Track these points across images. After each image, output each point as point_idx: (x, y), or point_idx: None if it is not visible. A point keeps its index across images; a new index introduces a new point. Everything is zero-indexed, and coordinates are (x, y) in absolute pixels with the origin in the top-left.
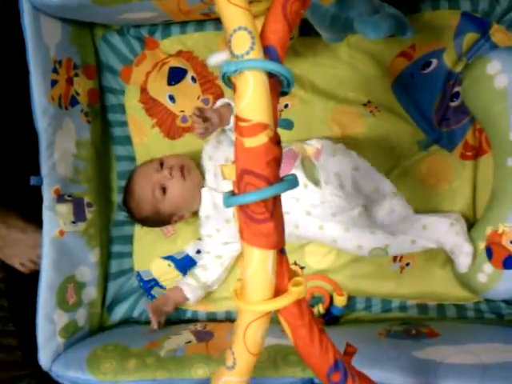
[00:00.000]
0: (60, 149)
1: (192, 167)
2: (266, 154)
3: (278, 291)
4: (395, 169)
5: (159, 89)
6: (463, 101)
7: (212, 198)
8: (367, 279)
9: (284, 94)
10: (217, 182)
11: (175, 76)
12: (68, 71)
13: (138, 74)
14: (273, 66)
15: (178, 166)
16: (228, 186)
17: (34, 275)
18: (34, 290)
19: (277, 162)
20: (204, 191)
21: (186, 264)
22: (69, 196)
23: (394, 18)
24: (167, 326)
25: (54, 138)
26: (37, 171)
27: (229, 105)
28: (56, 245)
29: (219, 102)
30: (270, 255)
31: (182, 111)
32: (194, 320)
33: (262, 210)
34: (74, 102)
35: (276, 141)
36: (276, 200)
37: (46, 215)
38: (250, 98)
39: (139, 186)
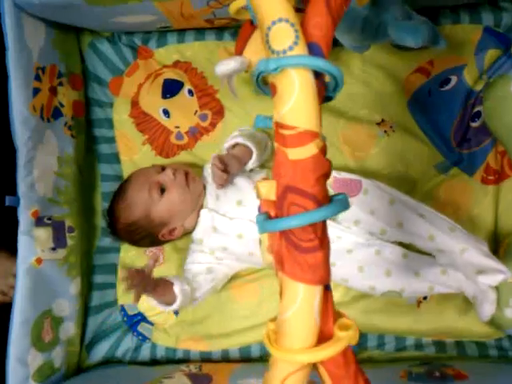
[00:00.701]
0: (40, 165)
1: (197, 178)
2: (315, 168)
3: (322, 336)
4: (410, 194)
5: (152, 102)
6: (485, 121)
7: (212, 221)
8: (380, 314)
9: (328, 99)
10: (218, 205)
11: (170, 88)
12: (52, 79)
13: (129, 85)
14: (322, 64)
15: (182, 170)
16: (233, 209)
17: (5, 308)
18: (4, 326)
19: (326, 178)
20: (204, 212)
21: None
22: (48, 219)
23: (427, 24)
24: (155, 366)
25: (34, 153)
26: (13, 190)
27: (245, 146)
28: (32, 274)
29: (232, 141)
30: (316, 292)
31: (177, 127)
32: (185, 360)
33: (310, 237)
34: (57, 113)
35: (325, 153)
36: (325, 225)
37: (22, 240)
38: (296, 100)
39: (135, 185)
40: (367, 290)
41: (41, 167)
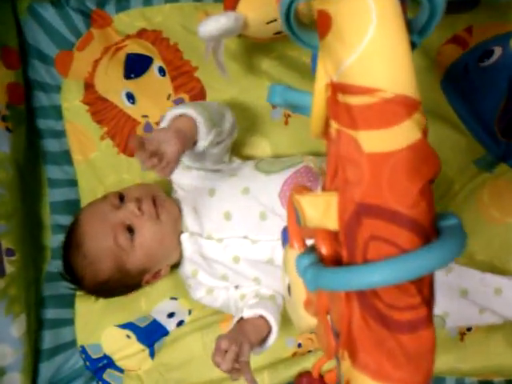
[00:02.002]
0: None
1: (167, 200)
2: (417, 168)
3: None
4: (446, 197)
5: (112, 84)
6: None
7: (197, 246)
8: None
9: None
10: (199, 223)
11: (135, 66)
12: None
13: (82, 62)
14: None
15: (148, 198)
16: (220, 226)
17: None
18: None
19: (433, 182)
20: (184, 239)
21: (153, 334)
22: None
23: None
24: None
25: None
26: None
27: (183, 116)
28: None
29: (169, 115)
30: None
31: (146, 116)
32: None
33: (411, 302)
34: None
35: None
36: (433, 278)
37: None
38: (375, 38)
39: (92, 233)
40: None
41: None
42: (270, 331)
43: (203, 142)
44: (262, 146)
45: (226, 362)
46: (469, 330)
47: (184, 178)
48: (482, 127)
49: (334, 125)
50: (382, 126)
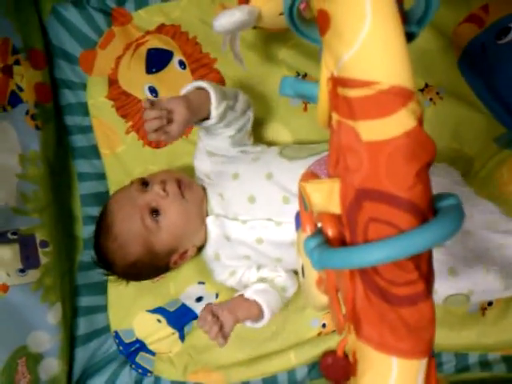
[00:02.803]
0: None
1: (192, 182)
2: (412, 154)
3: None
4: (467, 176)
5: (135, 79)
6: None
7: (221, 228)
8: (437, 328)
9: (410, 38)
10: (225, 206)
11: (156, 60)
12: (4, 56)
13: (105, 59)
14: None
15: (172, 180)
16: (244, 209)
17: None
18: None
19: (428, 169)
20: (210, 221)
21: (182, 318)
22: (13, 234)
23: None
24: None
25: None
26: None
27: (201, 89)
28: None
29: (189, 86)
30: (420, 369)
31: None
32: None
33: (409, 278)
34: (15, 100)
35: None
36: (431, 254)
37: None
38: (371, 32)
39: (120, 216)
40: None
41: None
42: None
43: (215, 112)
44: (282, 133)
45: (211, 332)
46: (490, 304)
47: (207, 164)
48: (500, 105)
49: (334, 116)
50: (379, 116)
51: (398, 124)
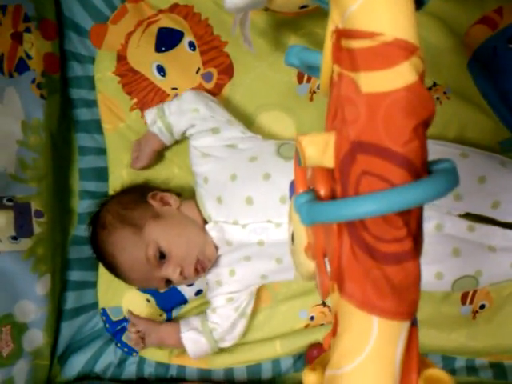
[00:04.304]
0: None
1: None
2: (411, 108)
3: None
4: None
5: (144, 56)
6: None
7: (222, 233)
8: (426, 328)
9: (419, 5)
10: (223, 211)
11: (167, 40)
12: (16, 23)
13: (115, 35)
14: None
15: (191, 263)
16: (243, 212)
17: None
18: None
19: (427, 128)
20: (209, 228)
21: (172, 300)
22: (9, 200)
23: None
24: None
25: None
26: None
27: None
28: None
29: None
30: (401, 332)
31: (175, 89)
32: (179, 379)
33: (397, 234)
34: (22, 67)
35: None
36: (421, 214)
37: None
38: None
39: (127, 264)
40: (433, 280)
41: None
42: None
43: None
44: (285, 121)
45: (134, 343)
46: (482, 307)
47: (204, 166)
48: (507, 110)
49: (336, 69)
50: (381, 68)
51: (398, 77)
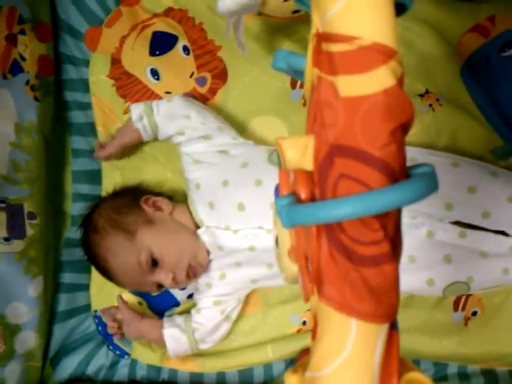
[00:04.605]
0: None
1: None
2: (389, 112)
3: None
4: None
5: (138, 60)
6: None
7: (214, 238)
8: (417, 334)
9: (402, 10)
10: (215, 216)
11: (161, 44)
12: (10, 25)
13: (110, 38)
14: None
15: (184, 269)
16: (235, 218)
17: None
18: None
19: (406, 132)
20: (201, 233)
21: (164, 303)
22: (1, 202)
23: None
24: None
25: None
26: None
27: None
28: None
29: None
30: (380, 335)
31: (169, 92)
32: (171, 383)
33: (374, 237)
34: (16, 68)
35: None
36: (399, 217)
37: None
38: None
39: (119, 268)
40: (425, 287)
41: None
42: None
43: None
44: (278, 126)
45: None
46: (474, 314)
47: (196, 173)
48: (500, 118)
49: (316, 72)
50: (359, 72)
51: (376, 81)
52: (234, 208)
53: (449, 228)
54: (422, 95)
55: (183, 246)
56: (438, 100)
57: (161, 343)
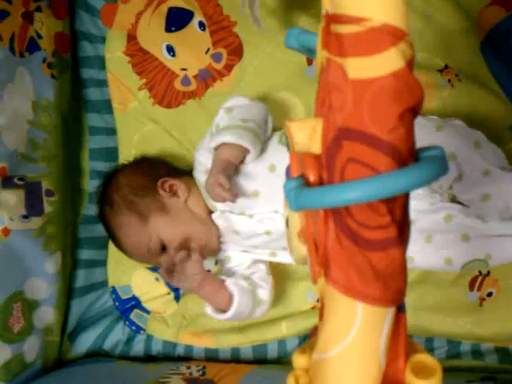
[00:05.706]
0: (9, 111)
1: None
2: (398, 95)
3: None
4: None
5: (153, 36)
6: None
7: (229, 223)
8: (432, 312)
9: None
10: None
11: (177, 19)
12: (26, 2)
13: (125, 14)
14: None
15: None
16: (250, 203)
17: None
18: None
19: (415, 116)
20: (215, 217)
21: None
22: (20, 179)
23: None
24: (149, 363)
25: (0, 94)
26: None
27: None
28: None
29: (218, 140)
30: (386, 318)
31: (184, 69)
32: (186, 358)
33: (381, 222)
34: (33, 46)
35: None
36: (407, 201)
37: None
38: None
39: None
40: (442, 265)
41: (10, 113)
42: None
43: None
44: (294, 103)
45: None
46: (489, 295)
47: (210, 162)
48: None
49: (325, 54)
50: (368, 54)
51: (385, 63)
52: (248, 195)
53: (470, 212)
54: (441, 70)
55: (193, 236)
56: (457, 75)
57: (215, 299)
